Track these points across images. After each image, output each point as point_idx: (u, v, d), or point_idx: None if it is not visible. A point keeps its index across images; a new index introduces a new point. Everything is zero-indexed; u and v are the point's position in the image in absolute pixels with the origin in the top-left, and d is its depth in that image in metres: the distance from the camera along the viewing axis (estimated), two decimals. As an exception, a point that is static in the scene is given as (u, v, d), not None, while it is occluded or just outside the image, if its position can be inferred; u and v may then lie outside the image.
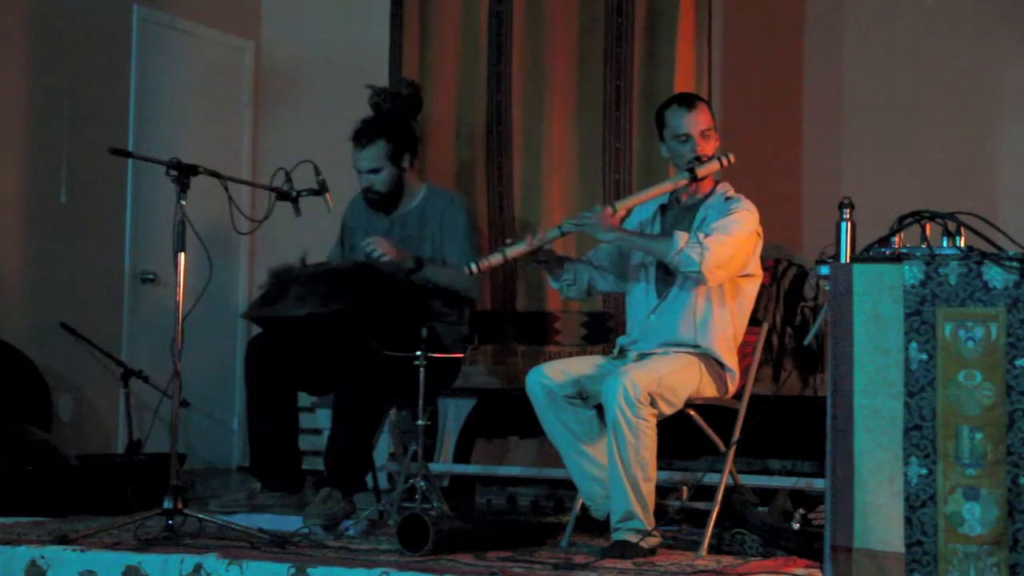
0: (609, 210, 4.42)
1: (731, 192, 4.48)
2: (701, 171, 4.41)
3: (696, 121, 4.44)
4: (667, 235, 4.37)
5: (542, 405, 4.38)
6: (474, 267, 4.49)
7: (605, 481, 4.27)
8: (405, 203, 5.24)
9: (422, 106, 5.42)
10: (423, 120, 5.69)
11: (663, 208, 4.57)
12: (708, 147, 4.44)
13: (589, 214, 4.43)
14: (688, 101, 4.49)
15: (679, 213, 4.52)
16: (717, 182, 4.51)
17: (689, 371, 4.32)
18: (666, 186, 4.50)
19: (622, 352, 4.53)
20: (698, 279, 4.30)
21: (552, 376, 4.37)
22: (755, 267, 4.46)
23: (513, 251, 4.48)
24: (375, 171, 5.15)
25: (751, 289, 4.47)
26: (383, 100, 5.26)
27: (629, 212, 4.60)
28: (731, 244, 4.30)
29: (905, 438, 3.14)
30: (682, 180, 4.44)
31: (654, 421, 4.17)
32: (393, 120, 5.22)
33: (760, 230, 4.43)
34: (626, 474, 4.13)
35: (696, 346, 4.37)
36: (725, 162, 4.41)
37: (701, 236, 4.27)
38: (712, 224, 4.35)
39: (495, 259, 4.48)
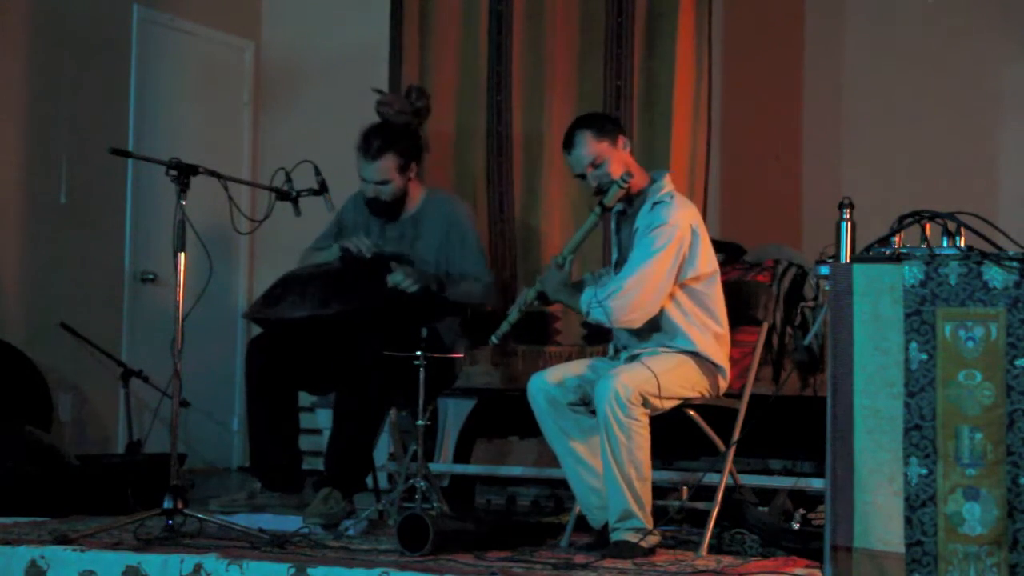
0: (557, 268, 4.44)
1: (662, 191, 4.41)
2: (609, 202, 4.42)
3: (580, 158, 4.42)
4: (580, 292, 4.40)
5: (544, 413, 4.38)
6: (495, 339, 4.59)
7: (603, 492, 4.27)
8: (407, 209, 5.21)
9: (430, 113, 5.39)
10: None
11: (619, 216, 4.56)
12: (610, 168, 4.39)
13: (544, 274, 4.49)
14: (567, 141, 4.47)
15: (628, 220, 4.50)
16: (654, 180, 4.47)
17: (680, 370, 4.31)
18: (589, 227, 4.52)
19: (616, 353, 4.54)
20: (623, 327, 4.34)
21: (554, 382, 4.37)
22: (703, 265, 4.37)
23: (513, 319, 4.58)
24: (383, 183, 5.11)
25: (708, 287, 4.40)
26: (395, 112, 5.20)
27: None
28: (633, 286, 4.27)
29: (905, 438, 3.14)
30: (595, 218, 4.47)
31: (646, 420, 4.17)
32: (403, 131, 5.15)
33: (695, 225, 4.36)
34: (620, 474, 4.13)
35: (682, 348, 4.37)
36: (626, 186, 4.38)
37: (601, 295, 4.28)
38: (631, 254, 4.34)
39: (504, 329, 4.58)
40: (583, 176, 4.46)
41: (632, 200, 4.45)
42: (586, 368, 4.42)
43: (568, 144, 4.46)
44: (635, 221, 4.41)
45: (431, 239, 5.15)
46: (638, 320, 4.32)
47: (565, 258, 4.49)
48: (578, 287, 4.51)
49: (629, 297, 4.27)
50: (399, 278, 4.92)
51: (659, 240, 4.30)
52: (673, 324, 4.36)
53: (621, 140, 4.46)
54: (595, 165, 4.42)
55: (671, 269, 4.31)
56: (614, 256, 4.56)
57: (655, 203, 4.38)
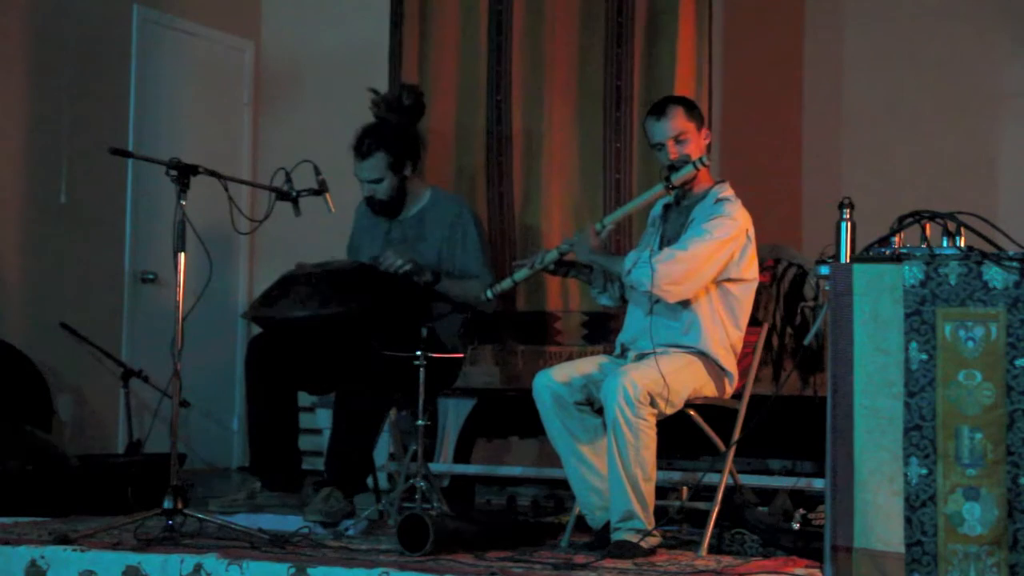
0: (595, 230, 4.46)
1: (725, 192, 4.45)
2: (677, 180, 4.42)
3: (666, 128, 4.43)
4: (623, 255, 4.41)
5: (549, 411, 4.36)
6: (489, 294, 4.65)
7: (604, 492, 4.27)
8: (408, 207, 5.23)
9: (424, 111, 5.41)
10: (423, 121, 5.69)
11: (667, 208, 4.58)
12: (689, 149, 4.42)
13: (578, 235, 4.49)
14: (659, 109, 4.48)
15: (678, 213, 4.52)
16: (717, 181, 4.50)
17: (689, 371, 4.31)
18: (647, 198, 4.54)
19: (623, 351, 4.53)
20: (659, 296, 4.32)
21: (561, 381, 4.35)
22: (746, 270, 4.42)
23: (520, 276, 4.60)
24: (376, 181, 5.13)
25: (742, 293, 4.43)
26: (386, 109, 5.23)
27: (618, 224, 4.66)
28: (685, 259, 4.29)
29: (905, 438, 3.14)
30: (659, 190, 4.47)
31: (654, 421, 4.17)
32: (395, 129, 5.18)
33: (751, 232, 4.41)
34: (626, 474, 4.12)
35: (693, 347, 4.37)
36: (701, 167, 4.40)
37: (652, 256, 4.28)
38: (684, 235, 4.36)
39: (506, 285, 4.62)
40: (660, 146, 4.45)
41: (687, 194, 4.47)
42: (594, 367, 4.41)
43: (659, 111, 4.46)
44: (691, 212, 4.44)
45: (433, 238, 5.17)
46: (677, 294, 4.32)
47: (604, 225, 4.51)
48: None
49: (679, 267, 4.28)
50: (390, 258, 4.93)
51: (719, 229, 4.34)
52: (696, 318, 4.37)
53: (705, 131, 4.51)
54: (678, 140, 4.43)
55: (721, 258, 4.34)
56: (655, 244, 4.53)
57: (719, 199, 4.42)
